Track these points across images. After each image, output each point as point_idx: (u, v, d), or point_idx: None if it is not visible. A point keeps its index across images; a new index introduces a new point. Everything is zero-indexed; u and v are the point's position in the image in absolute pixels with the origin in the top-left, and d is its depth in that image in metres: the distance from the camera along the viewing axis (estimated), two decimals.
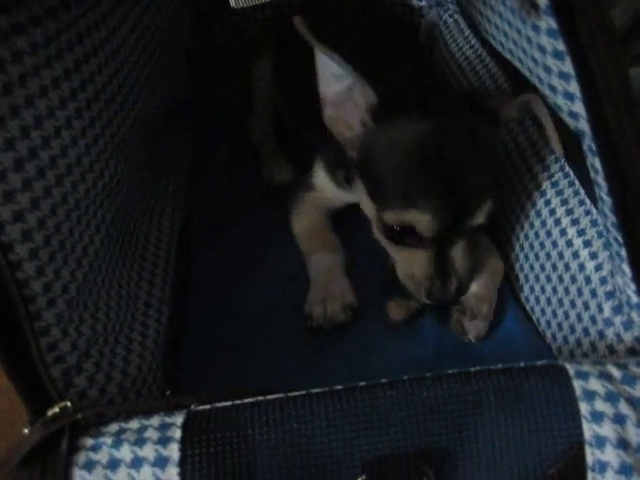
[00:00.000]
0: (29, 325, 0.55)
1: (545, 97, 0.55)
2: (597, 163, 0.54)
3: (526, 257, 0.80)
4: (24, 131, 0.53)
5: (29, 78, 0.54)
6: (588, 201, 0.72)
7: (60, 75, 0.57)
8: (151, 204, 0.87)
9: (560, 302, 0.73)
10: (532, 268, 0.79)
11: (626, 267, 0.58)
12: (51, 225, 0.57)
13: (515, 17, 0.52)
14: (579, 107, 0.50)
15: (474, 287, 0.80)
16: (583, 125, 0.52)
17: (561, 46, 0.48)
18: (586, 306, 0.68)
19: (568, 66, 0.48)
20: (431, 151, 0.72)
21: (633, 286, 0.59)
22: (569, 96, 0.50)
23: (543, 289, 0.76)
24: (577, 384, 0.52)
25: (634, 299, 0.60)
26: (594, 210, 0.70)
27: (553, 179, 0.77)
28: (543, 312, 0.77)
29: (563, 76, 0.50)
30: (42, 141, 0.55)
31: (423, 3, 1.19)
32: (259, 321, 0.85)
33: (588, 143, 0.53)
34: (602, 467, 0.50)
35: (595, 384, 0.52)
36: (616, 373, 0.53)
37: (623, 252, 0.57)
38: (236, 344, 0.83)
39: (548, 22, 0.47)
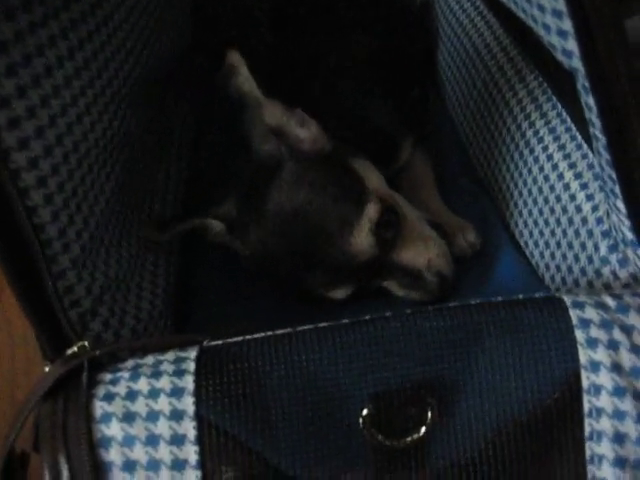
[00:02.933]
0: (46, 268, 0.58)
1: (540, 36, 0.56)
2: (591, 101, 0.55)
3: (524, 202, 0.82)
4: (35, 80, 0.55)
5: (38, 28, 0.55)
6: (585, 145, 0.73)
7: (67, 26, 0.59)
8: (158, 156, 0.88)
9: (558, 244, 0.75)
10: (530, 213, 0.81)
11: (620, 204, 0.60)
12: (64, 171, 0.59)
13: None
14: (572, 45, 0.52)
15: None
16: (576, 63, 0.53)
17: None
18: (583, 246, 0.70)
19: (561, 4, 0.50)
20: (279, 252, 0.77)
21: (628, 223, 0.61)
22: (562, 34, 0.52)
23: (541, 232, 0.79)
24: (573, 313, 0.55)
25: (629, 236, 0.62)
26: (591, 154, 0.72)
27: (550, 125, 0.79)
28: (542, 255, 0.79)
29: (556, 14, 0.51)
30: (53, 90, 0.57)
31: None
32: None
33: (582, 81, 0.55)
34: (597, 390, 0.53)
35: (591, 312, 0.55)
36: (611, 302, 0.56)
37: (617, 189, 0.59)
38: (244, 291, 0.85)
39: None
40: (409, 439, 0.55)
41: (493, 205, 0.89)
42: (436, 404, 0.55)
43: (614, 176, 0.58)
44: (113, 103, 0.66)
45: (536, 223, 0.80)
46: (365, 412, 0.54)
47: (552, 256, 0.76)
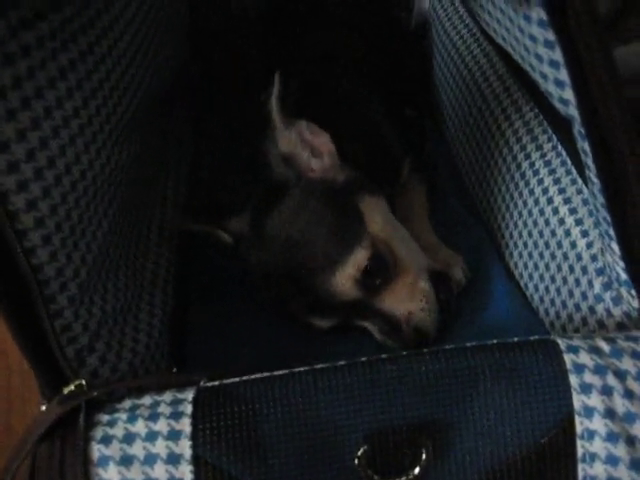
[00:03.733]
0: (44, 308, 0.58)
1: (537, 84, 0.57)
2: (586, 146, 0.56)
3: (520, 234, 0.83)
4: (35, 122, 0.55)
5: (37, 70, 0.56)
6: (580, 180, 0.74)
7: (66, 66, 0.59)
8: (155, 186, 0.89)
9: (552, 278, 0.75)
10: (525, 245, 0.81)
11: (615, 246, 0.60)
12: (62, 212, 0.59)
13: (508, 6, 0.54)
14: (569, 94, 0.52)
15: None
16: (572, 111, 0.54)
17: (551, 36, 0.49)
18: (577, 282, 0.71)
19: (558, 55, 0.50)
20: (267, 273, 0.79)
21: (622, 264, 0.61)
22: (559, 83, 0.52)
23: (536, 265, 0.79)
24: (567, 358, 0.55)
25: (623, 276, 0.62)
26: (586, 189, 0.73)
27: (546, 158, 0.79)
28: (536, 288, 0.79)
29: (553, 64, 0.52)
30: (52, 132, 0.57)
31: None
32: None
33: (578, 128, 0.55)
34: (590, 435, 0.53)
35: (585, 357, 0.55)
36: (605, 347, 0.56)
37: (611, 231, 0.60)
38: (239, 318, 0.86)
39: (539, 13, 0.49)
40: (404, 478, 0.55)
41: (488, 235, 0.90)
42: (431, 445, 0.55)
43: (609, 219, 0.59)
44: (111, 139, 0.66)
45: (531, 255, 0.80)
46: (361, 452, 0.55)
47: (546, 290, 0.77)
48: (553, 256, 0.75)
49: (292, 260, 0.76)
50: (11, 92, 0.53)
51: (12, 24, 0.53)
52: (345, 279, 0.75)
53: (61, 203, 0.58)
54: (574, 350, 0.56)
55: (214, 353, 0.81)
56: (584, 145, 0.56)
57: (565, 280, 0.73)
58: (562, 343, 0.56)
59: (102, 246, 0.67)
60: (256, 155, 0.83)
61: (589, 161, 0.57)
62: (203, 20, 1.14)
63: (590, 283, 0.69)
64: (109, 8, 0.66)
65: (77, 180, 0.60)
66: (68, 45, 0.59)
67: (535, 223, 0.79)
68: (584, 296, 0.70)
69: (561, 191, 0.76)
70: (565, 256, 0.73)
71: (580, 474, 0.54)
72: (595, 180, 0.58)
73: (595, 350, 0.56)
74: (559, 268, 0.74)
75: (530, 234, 0.80)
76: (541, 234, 0.78)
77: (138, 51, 0.75)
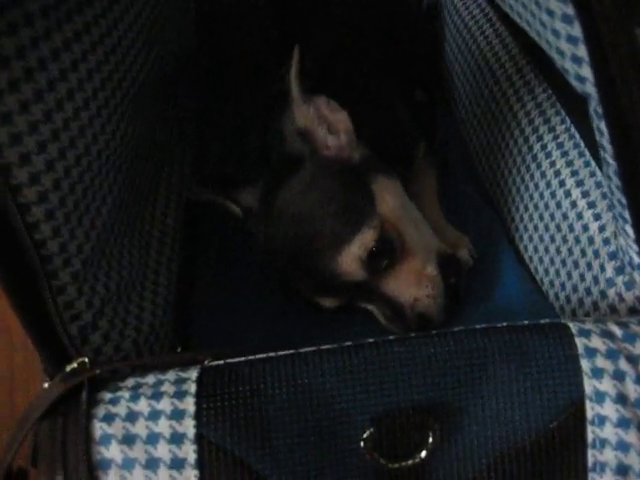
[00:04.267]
0: (47, 284, 0.57)
1: (553, 60, 0.55)
2: (603, 126, 0.54)
3: (530, 217, 0.81)
4: (38, 94, 0.54)
5: (41, 42, 0.54)
6: (593, 162, 0.73)
7: (71, 38, 0.58)
8: (160, 163, 0.88)
9: (563, 262, 0.74)
10: (536, 228, 0.80)
11: (629, 229, 0.59)
12: (65, 186, 0.58)
13: None
14: (586, 71, 0.51)
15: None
16: (590, 88, 0.52)
17: (570, 10, 0.48)
18: (589, 266, 0.69)
19: (577, 30, 0.49)
20: (274, 247, 0.77)
21: (636, 247, 0.60)
22: (577, 60, 0.51)
23: (547, 249, 0.78)
24: (579, 342, 0.54)
25: (636, 260, 0.61)
26: (599, 172, 0.71)
27: (558, 140, 0.78)
28: (546, 272, 0.78)
29: (571, 39, 0.50)
30: (55, 104, 0.56)
31: None
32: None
33: (594, 106, 0.54)
34: (601, 421, 0.52)
35: (597, 342, 0.54)
36: (617, 331, 0.55)
37: (626, 214, 0.58)
38: (246, 296, 0.85)
39: None
40: (410, 462, 0.54)
41: (498, 218, 0.88)
42: (438, 428, 0.54)
43: (624, 201, 0.58)
44: (116, 114, 0.65)
45: (541, 239, 0.79)
46: (367, 434, 0.54)
47: (557, 273, 0.76)
48: (564, 239, 0.74)
49: (299, 237, 0.75)
50: (15, 62, 0.52)
51: None
52: (351, 259, 0.74)
53: (65, 177, 0.57)
54: (586, 334, 0.55)
55: (220, 332, 0.81)
56: (600, 124, 0.55)
57: (576, 264, 0.72)
58: (574, 327, 0.55)
59: (106, 222, 0.66)
60: (271, 128, 0.82)
61: (605, 141, 0.56)
62: (209, 4, 1.13)
63: (602, 267, 0.68)
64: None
65: (81, 154, 0.59)
66: (72, 16, 0.57)
67: (546, 206, 0.78)
68: (596, 280, 0.69)
69: (574, 173, 0.74)
70: (577, 239, 0.72)
71: (590, 460, 0.53)
72: (611, 161, 0.56)
73: (607, 334, 0.55)
74: (570, 252, 0.73)
75: (541, 217, 0.79)
76: (552, 217, 0.76)
77: (144, 25, 0.73)
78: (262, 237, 0.80)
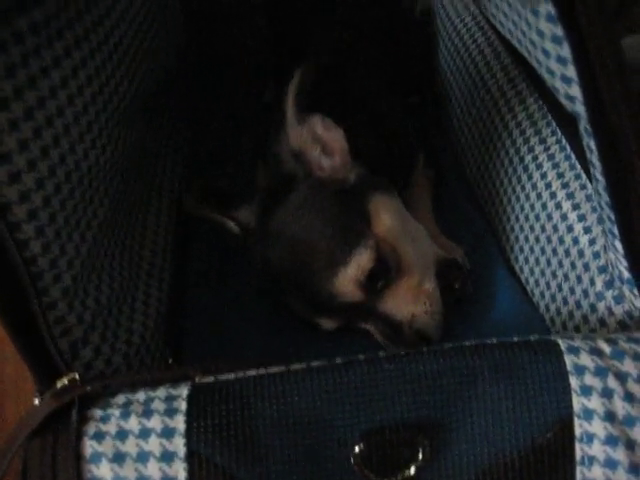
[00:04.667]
0: (37, 301, 0.57)
1: (543, 79, 0.55)
2: (592, 144, 0.55)
3: (521, 228, 0.82)
4: (28, 112, 0.54)
5: (31, 59, 0.54)
6: (584, 175, 0.73)
7: (61, 54, 0.58)
8: (151, 176, 0.88)
9: (554, 274, 0.75)
10: (527, 239, 0.80)
11: (618, 244, 0.59)
12: (56, 203, 0.58)
13: (516, 0, 0.53)
14: (576, 91, 0.51)
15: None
16: (579, 107, 0.52)
17: (559, 31, 0.48)
18: (579, 279, 0.70)
19: (566, 51, 0.49)
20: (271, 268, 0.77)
21: (625, 262, 0.60)
22: (566, 80, 0.51)
23: (537, 261, 0.78)
24: (568, 359, 0.54)
25: (625, 274, 0.61)
26: (589, 185, 0.71)
27: (549, 152, 0.78)
28: (537, 283, 0.78)
29: (561, 60, 0.50)
30: (45, 121, 0.55)
31: None
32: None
33: (584, 125, 0.54)
34: (589, 438, 0.53)
35: (585, 359, 0.54)
36: (606, 348, 0.55)
37: (615, 230, 0.59)
38: (238, 308, 0.85)
39: (547, 8, 0.47)
40: (400, 478, 0.54)
41: (490, 229, 0.89)
42: (428, 444, 0.54)
43: (613, 217, 0.58)
44: (107, 128, 0.65)
45: (532, 250, 0.79)
46: (357, 450, 0.54)
47: (547, 285, 0.76)
48: (555, 252, 0.74)
49: (295, 259, 0.75)
50: (4, 81, 0.51)
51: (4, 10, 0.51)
52: (347, 281, 0.73)
53: (55, 194, 0.57)
54: (575, 351, 0.55)
55: (211, 343, 0.81)
56: (590, 142, 0.55)
57: (566, 277, 0.72)
58: (563, 344, 0.56)
59: (97, 236, 0.66)
60: (266, 147, 0.81)
61: (594, 159, 0.56)
62: (198, 6, 1.12)
63: (592, 281, 0.68)
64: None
65: (71, 170, 0.59)
66: (63, 32, 0.57)
67: (537, 217, 0.78)
68: (585, 293, 0.69)
69: (564, 186, 0.74)
70: (567, 252, 0.72)
71: (578, 477, 0.53)
72: (600, 178, 0.57)
73: (596, 351, 0.55)
74: (560, 264, 0.73)
75: (532, 229, 0.79)
76: (543, 229, 0.77)
77: (134, 38, 0.73)
78: (259, 257, 0.80)
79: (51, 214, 0.57)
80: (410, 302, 0.76)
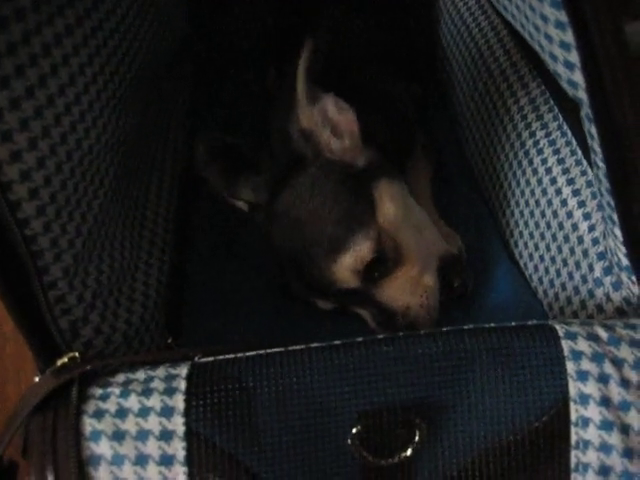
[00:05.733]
0: (37, 280, 0.57)
1: (546, 64, 0.55)
2: (594, 130, 0.55)
3: (521, 213, 0.82)
4: (29, 90, 0.54)
5: (32, 36, 0.54)
6: (584, 162, 0.73)
7: (62, 32, 0.57)
8: (152, 154, 0.87)
9: (553, 260, 0.75)
10: (527, 225, 0.81)
11: (617, 231, 0.60)
12: (57, 182, 0.58)
13: None
14: (578, 76, 0.51)
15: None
16: (581, 94, 0.52)
17: (564, 17, 0.48)
18: (577, 265, 0.70)
19: (569, 36, 0.49)
20: (275, 244, 0.78)
21: (624, 249, 0.60)
22: (569, 65, 0.51)
23: (536, 246, 0.78)
24: (565, 344, 0.55)
25: (624, 261, 0.62)
26: (590, 171, 0.71)
27: (550, 137, 0.78)
28: (536, 268, 0.79)
29: (564, 45, 0.50)
30: (47, 100, 0.55)
31: None
32: (260, 267, 0.87)
33: (586, 110, 0.54)
34: (585, 422, 0.53)
35: (582, 344, 0.55)
36: (603, 334, 0.56)
37: (615, 216, 0.59)
38: (237, 290, 0.85)
39: None
40: (397, 459, 0.55)
41: (490, 213, 0.89)
42: (425, 426, 0.55)
43: (612, 204, 0.58)
44: (108, 107, 0.65)
45: (532, 235, 0.79)
46: (354, 431, 0.55)
47: (546, 271, 0.76)
48: (554, 237, 0.74)
49: (298, 239, 0.75)
50: (5, 59, 0.51)
51: None
52: (345, 268, 0.73)
53: (56, 173, 0.57)
54: (572, 336, 0.55)
55: (211, 324, 0.81)
56: (591, 128, 0.55)
57: (565, 262, 0.72)
58: (560, 329, 0.56)
59: (98, 216, 0.66)
60: (274, 125, 0.81)
61: (595, 145, 0.56)
62: None
63: (590, 267, 0.68)
64: None
65: (73, 150, 0.59)
66: (64, 9, 0.57)
67: (537, 203, 0.78)
68: (584, 279, 0.69)
69: (565, 171, 0.75)
70: (566, 238, 0.72)
71: (573, 460, 0.54)
72: (601, 164, 0.57)
73: (593, 337, 0.55)
74: (559, 250, 0.73)
75: (532, 214, 0.79)
76: (543, 214, 0.77)
77: (136, 17, 0.73)
78: (265, 234, 0.80)
79: (52, 193, 0.57)
80: (407, 293, 0.76)
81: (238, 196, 0.85)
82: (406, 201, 0.80)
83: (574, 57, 0.50)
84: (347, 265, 0.73)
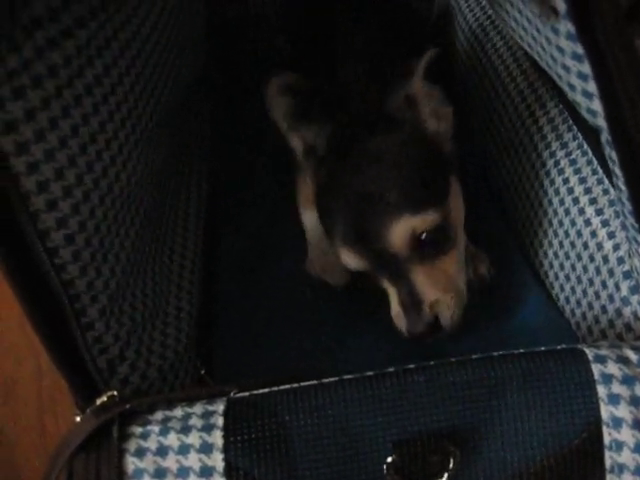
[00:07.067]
0: (75, 322, 0.59)
1: (565, 92, 0.56)
2: (614, 155, 0.55)
3: (545, 233, 0.82)
4: (62, 141, 0.56)
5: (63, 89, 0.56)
6: (606, 180, 0.73)
7: (92, 82, 0.59)
8: (177, 187, 0.89)
9: (579, 279, 0.75)
10: (551, 244, 0.81)
11: None
12: (91, 227, 0.59)
13: (535, 16, 0.53)
14: (597, 105, 0.52)
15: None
16: (601, 121, 0.53)
17: (580, 49, 0.49)
18: (604, 285, 0.70)
19: (587, 68, 0.50)
20: (338, 187, 0.77)
21: None
22: (587, 95, 0.52)
23: (562, 266, 0.79)
24: (595, 368, 0.55)
25: None
26: (612, 190, 0.72)
27: (571, 157, 0.78)
28: (562, 288, 0.79)
29: (582, 76, 0.51)
30: (79, 148, 0.57)
31: None
32: (288, 298, 0.89)
33: (606, 136, 0.55)
34: (619, 446, 0.54)
35: (612, 367, 0.55)
36: (633, 356, 0.56)
37: (639, 237, 0.59)
38: (266, 321, 0.86)
39: (567, 26, 0.48)
40: None
41: (513, 234, 0.89)
42: (459, 452, 0.56)
43: (636, 225, 0.59)
44: (136, 149, 0.66)
45: (556, 255, 0.80)
46: (389, 460, 0.55)
47: (572, 291, 0.77)
48: (579, 257, 0.75)
49: (369, 186, 0.75)
50: (39, 112, 0.53)
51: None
52: (404, 231, 0.73)
53: (89, 218, 0.59)
54: (602, 360, 0.56)
55: (243, 349, 0.83)
56: (612, 153, 0.56)
57: (591, 282, 0.73)
58: (590, 353, 0.56)
59: (130, 255, 0.68)
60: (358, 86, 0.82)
61: (617, 169, 0.57)
62: (221, 17, 1.13)
63: (617, 286, 0.69)
64: (131, 19, 0.65)
65: (105, 194, 0.61)
66: (93, 60, 0.59)
67: (560, 223, 0.78)
68: (611, 299, 0.70)
69: (587, 191, 0.75)
70: (591, 258, 0.73)
71: None
72: (623, 188, 0.57)
73: (623, 360, 0.56)
74: (585, 269, 0.74)
75: (556, 234, 0.80)
76: (567, 234, 0.77)
77: (160, 58, 0.75)
78: (327, 175, 0.80)
79: (86, 238, 0.59)
80: (440, 286, 0.76)
81: (298, 134, 0.85)
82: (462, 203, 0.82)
83: (592, 87, 0.51)
84: (407, 229, 0.73)
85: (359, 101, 0.83)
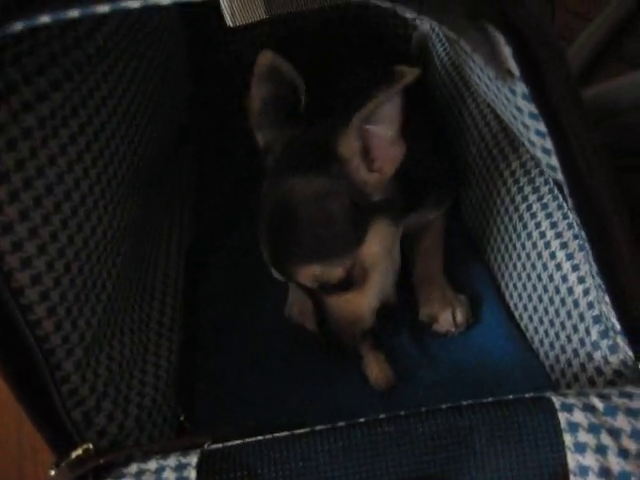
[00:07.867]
0: (50, 375, 0.60)
1: (527, 148, 0.58)
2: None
3: (519, 276, 0.84)
4: (37, 201, 0.57)
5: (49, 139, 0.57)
6: (576, 225, 0.75)
7: (67, 142, 0.61)
8: (158, 234, 0.90)
9: (551, 323, 0.76)
10: (525, 287, 0.82)
11: (608, 298, 0.61)
12: (65, 282, 0.61)
13: (493, 77, 0.55)
14: (555, 161, 0.53)
15: None
16: (560, 176, 0.55)
17: (535, 109, 0.50)
18: (575, 328, 0.71)
19: (543, 126, 0.51)
20: (265, 207, 0.79)
21: (615, 314, 0.62)
22: (546, 151, 0.53)
23: (535, 308, 0.80)
24: (562, 416, 0.56)
25: (618, 326, 0.63)
26: (582, 234, 0.73)
27: (542, 201, 0.80)
28: (536, 330, 0.80)
29: (539, 133, 0.52)
30: (54, 207, 0.59)
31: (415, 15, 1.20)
32: (270, 340, 0.89)
33: (567, 191, 0.56)
34: None
35: (579, 416, 0.56)
36: (599, 404, 0.57)
37: (604, 285, 0.60)
38: (248, 364, 0.87)
39: (522, 87, 0.50)
40: None
41: (489, 275, 0.91)
42: None
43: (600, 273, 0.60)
44: (112, 202, 0.68)
45: (530, 298, 0.81)
46: None
47: (546, 333, 0.78)
48: (551, 301, 0.76)
49: (281, 221, 0.77)
50: (13, 174, 0.55)
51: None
52: (309, 275, 0.77)
53: (64, 274, 0.60)
54: (568, 408, 0.57)
55: (222, 397, 0.83)
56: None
57: (563, 325, 0.74)
58: (557, 401, 0.57)
59: (107, 307, 0.69)
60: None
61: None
62: (206, 63, 1.15)
63: (587, 330, 0.70)
64: (107, 77, 0.67)
65: (80, 249, 0.62)
66: (68, 121, 0.60)
67: (533, 266, 0.80)
68: (582, 342, 0.71)
69: (558, 235, 0.76)
70: (563, 302, 0.74)
71: None
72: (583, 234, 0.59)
73: (589, 408, 0.57)
74: (557, 313, 0.75)
75: (529, 277, 0.81)
76: (539, 278, 0.79)
77: (135, 111, 0.76)
78: (265, 186, 0.81)
79: (61, 294, 0.60)
80: (345, 316, 0.81)
81: (262, 129, 0.84)
82: (390, 247, 0.82)
83: (550, 144, 0.52)
84: (311, 275, 0.77)
85: (315, 129, 0.82)
